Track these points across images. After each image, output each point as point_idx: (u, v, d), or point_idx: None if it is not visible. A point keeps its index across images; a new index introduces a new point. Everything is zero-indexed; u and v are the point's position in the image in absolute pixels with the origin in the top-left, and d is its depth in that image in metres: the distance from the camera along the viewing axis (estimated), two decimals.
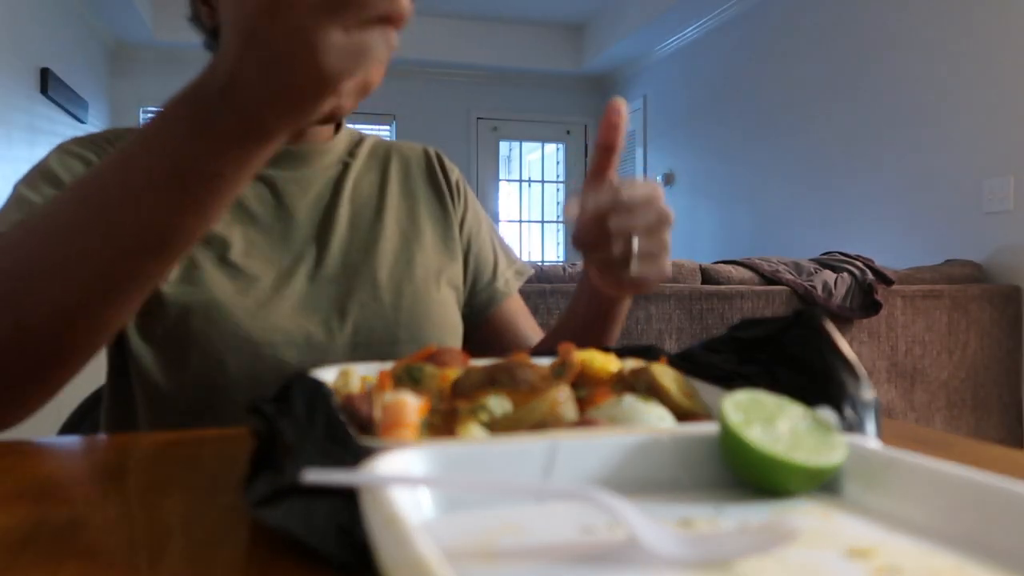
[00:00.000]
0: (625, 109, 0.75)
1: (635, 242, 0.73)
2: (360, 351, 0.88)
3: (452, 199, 1.07)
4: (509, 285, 1.08)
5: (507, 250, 1.14)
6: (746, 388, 0.46)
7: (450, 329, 0.97)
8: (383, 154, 1.07)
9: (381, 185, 1.03)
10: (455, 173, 1.10)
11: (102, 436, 0.72)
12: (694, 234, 5.75)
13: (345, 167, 1.01)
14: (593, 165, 0.78)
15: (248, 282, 0.88)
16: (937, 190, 3.45)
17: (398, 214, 1.02)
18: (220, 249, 0.89)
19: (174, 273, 0.85)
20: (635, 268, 0.73)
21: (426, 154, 1.10)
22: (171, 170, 0.54)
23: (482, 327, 1.06)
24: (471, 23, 6.74)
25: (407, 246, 0.99)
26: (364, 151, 1.05)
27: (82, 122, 5.34)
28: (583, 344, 0.90)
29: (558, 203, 7.46)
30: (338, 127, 1.05)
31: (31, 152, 4.35)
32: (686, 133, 5.92)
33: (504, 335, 1.06)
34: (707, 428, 0.44)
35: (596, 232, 0.74)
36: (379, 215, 1.00)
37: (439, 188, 1.07)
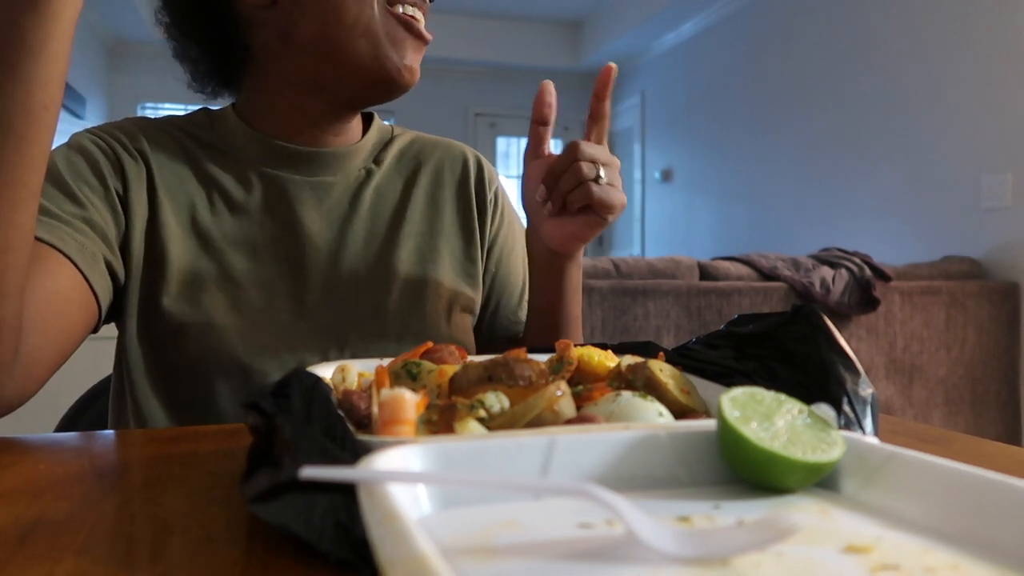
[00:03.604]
0: (553, 89, 0.83)
1: (599, 168, 0.78)
2: None
3: (482, 215, 1.00)
4: None
5: None
6: (744, 384, 0.46)
7: None
8: (414, 156, 1.00)
9: (405, 192, 0.96)
10: (494, 185, 1.03)
11: (99, 432, 0.72)
12: (692, 230, 5.75)
13: (368, 174, 0.94)
14: (533, 140, 0.84)
15: (247, 297, 0.83)
16: (935, 186, 3.45)
17: (419, 228, 0.94)
18: (222, 262, 0.84)
19: (174, 287, 0.82)
20: (599, 188, 0.78)
21: (464, 161, 1.02)
22: None
23: (497, 350, 1.02)
24: (469, 20, 6.73)
25: (423, 269, 0.92)
26: (392, 153, 0.98)
27: (80, 118, 5.33)
28: (554, 318, 0.92)
29: None
30: (368, 124, 0.98)
31: None
32: (684, 129, 5.91)
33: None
34: (705, 424, 0.44)
35: (551, 183, 0.80)
36: (397, 229, 0.93)
37: (469, 202, 1.00)
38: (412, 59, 0.87)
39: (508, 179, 7.42)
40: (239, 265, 0.85)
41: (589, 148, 0.79)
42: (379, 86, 0.86)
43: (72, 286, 0.73)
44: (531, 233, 0.89)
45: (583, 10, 6.62)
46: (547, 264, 0.89)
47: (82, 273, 0.74)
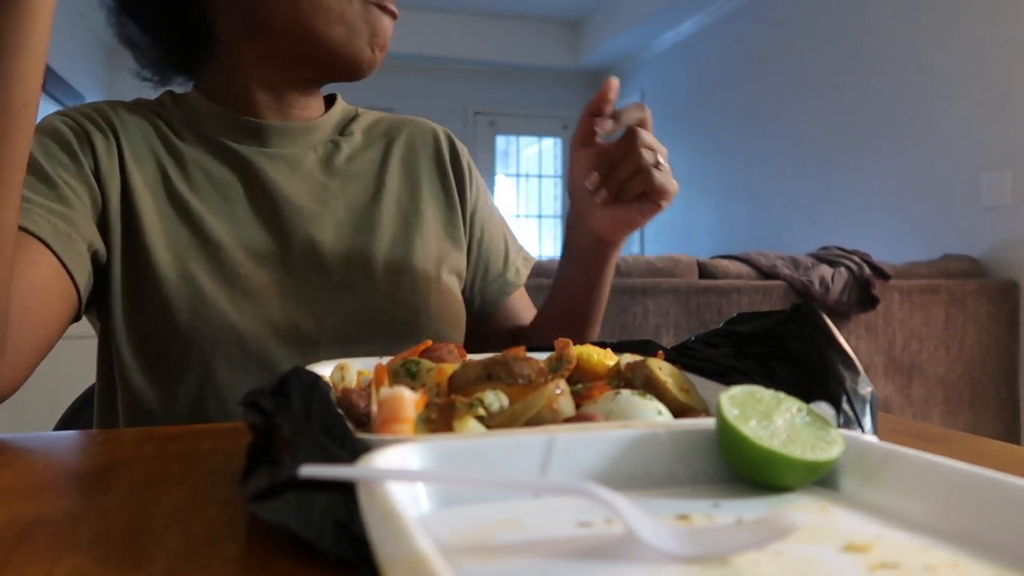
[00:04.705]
0: (617, 85, 0.81)
1: (658, 155, 0.79)
2: (353, 345, 0.84)
3: (460, 183, 1.02)
4: (519, 275, 1.05)
5: (514, 237, 1.10)
6: (743, 383, 0.46)
7: (450, 320, 0.92)
8: (386, 129, 1.01)
9: (381, 163, 0.97)
10: (465, 156, 1.04)
11: (98, 431, 0.72)
12: (691, 229, 5.75)
13: (336, 146, 0.95)
14: (584, 129, 0.83)
15: (234, 268, 0.83)
16: (934, 185, 3.45)
17: (399, 196, 0.96)
18: (203, 232, 0.84)
19: (158, 258, 0.81)
20: (660, 174, 0.79)
21: (435, 134, 1.04)
22: None
23: (490, 318, 1.02)
24: (469, 18, 6.72)
25: (407, 231, 0.93)
26: (360, 127, 0.99)
27: None
28: (578, 315, 0.93)
29: (556, 198, 7.46)
30: (330, 103, 0.99)
31: None
32: (683, 128, 5.91)
33: (511, 326, 1.03)
34: (704, 423, 0.44)
35: (605, 168, 0.81)
36: (377, 196, 0.94)
37: (445, 171, 1.01)
38: (384, 37, 0.89)
39: (507, 177, 7.42)
40: (220, 233, 0.85)
41: (647, 136, 0.80)
42: (350, 66, 0.88)
43: (52, 273, 0.73)
44: (576, 221, 0.90)
45: (582, 9, 6.61)
46: (590, 253, 0.90)
47: (60, 259, 0.74)
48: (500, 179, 7.35)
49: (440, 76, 7.04)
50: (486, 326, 1.03)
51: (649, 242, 6.49)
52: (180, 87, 0.97)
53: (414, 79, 6.94)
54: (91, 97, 5.71)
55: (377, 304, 0.88)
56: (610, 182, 0.81)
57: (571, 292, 0.94)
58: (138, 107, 0.91)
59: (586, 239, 0.89)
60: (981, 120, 3.21)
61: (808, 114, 4.37)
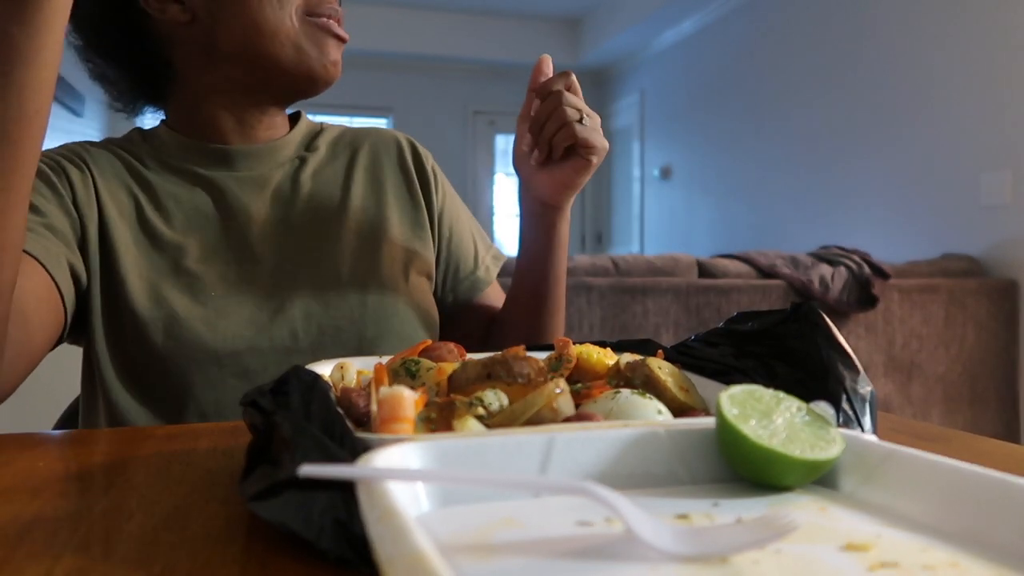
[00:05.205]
0: (550, 61, 0.88)
1: (582, 113, 0.83)
2: (327, 352, 0.86)
3: (425, 187, 1.03)
4: (490, 272, 1.07)
5: (483, 236, 1.12)
6: (743, 382, 0.46)
7: (420, 321, 0.94)
8: (350, 142, 1.04)
9: (346, 174, 1.00)
10: (429, 160, 1.06)
11: (98, 430, 0.72)
12: (691, 228, 5.75)
13: (302, 162, 0.98)
14: (527, 105, 0.88)
15: (206, 290, 0.86)
16: (934, 184, 3.45)
17: (364, 202, 0.98)
18: (176, 259, 0.87)
19: (133, 285, 0.84)
20: (582, 127, 0.83)
21: (397, 142, 1.06)
22: None
23: (463, 316, 1.04)
24: (468, 17, 6.72)
25: (373, 236, 0.96)
26: (325, 142, 1.02)
27: (79, 116, 5.32)
28: (542, 275, 0.96)
29: None
30: (295, 121, 1.02)
31: None
32: (683, 127, 5.91)
33: (485, 318, 1.05)
34: (704, 422, 0.44)
35: (536, 131, 0.86)
36: (343, 205, 0.96)
37: (409, 175, 1.03)
38: (334, 55, 0.91)
39: (508, 177, 7.42)
40: (192, 258, 0.87)
41: (571, 96, 0.84)
42: (305, 84, 0.91)
43: (45, 286, 0.76)
44: (523, 192, 0.94)
45: (582, 8, 6.61)
46: (537, 219, 0.93)
47: (51, 276, 0.77)
48: (499, 178, 7.35)
49: (439, 75, 7.04)
50: (462, 321, 1.05)
51: (649, 241, 6.49)
52: (152, 116, 1.00)
53: (414, 79, 6.94)
54: (91, 97, 5.71)
55: (349, 311, 0.90)
56: (540, 141, 0.85)
57: (529, 264, 0.97)
58: (107, 145, 0.94)
59: (534, 206, 0.93)
60: (981, 120, 3.21)
61: (808, 114, 4.37)
